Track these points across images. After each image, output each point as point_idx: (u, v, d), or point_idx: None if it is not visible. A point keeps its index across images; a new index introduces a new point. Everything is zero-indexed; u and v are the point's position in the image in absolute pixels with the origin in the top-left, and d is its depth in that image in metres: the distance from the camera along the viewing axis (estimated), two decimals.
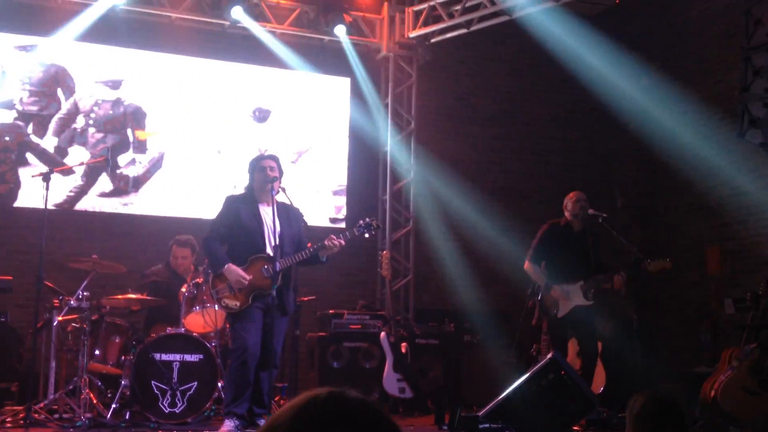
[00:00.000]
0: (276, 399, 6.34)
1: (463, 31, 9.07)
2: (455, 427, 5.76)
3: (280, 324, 5.70)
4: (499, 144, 10.22)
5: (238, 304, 5.62)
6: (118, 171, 8.55)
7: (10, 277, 6.99)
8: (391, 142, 9.43)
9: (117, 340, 6.41)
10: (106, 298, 6.47)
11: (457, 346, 8.25)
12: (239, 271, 5.59)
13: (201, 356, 6.17)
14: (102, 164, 8.24)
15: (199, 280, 6.40)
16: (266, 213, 5.72)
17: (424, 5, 9.16)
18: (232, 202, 5.88)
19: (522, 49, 10.15)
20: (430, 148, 9.61)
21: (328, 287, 8.69)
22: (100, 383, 6.30)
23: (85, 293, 6.21)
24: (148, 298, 6.60)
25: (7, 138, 8.20)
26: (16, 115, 8.23)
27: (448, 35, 9.24)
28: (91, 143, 8.49)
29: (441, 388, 7.81)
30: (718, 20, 9.33)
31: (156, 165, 8.72)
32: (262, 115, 9.16)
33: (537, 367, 5.44)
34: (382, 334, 7.51)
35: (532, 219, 8.04)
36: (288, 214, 5.81)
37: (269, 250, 5.67)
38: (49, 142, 8.32)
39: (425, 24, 9.21)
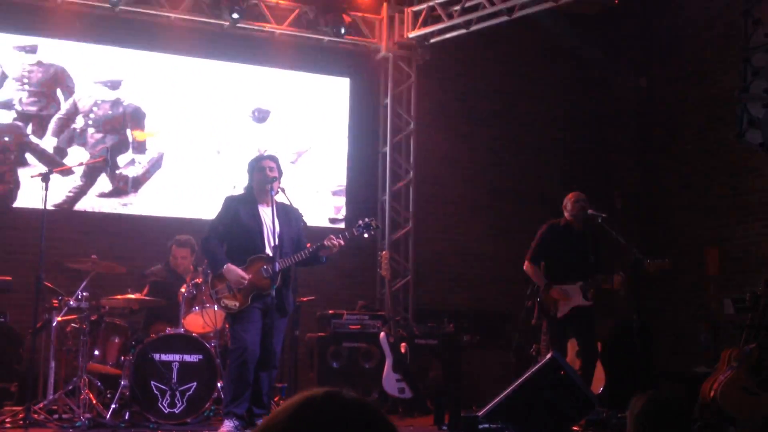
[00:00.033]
0: (275, 399, 6.33)
1: (463, 31, 9.06)
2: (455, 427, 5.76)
3: (280, 324, 5.69)
4: (498, 144, 10.21)
5: (237, 304, 5.62)
6: (117, 171, 8.54)
7: (10, 278, 6.98)
8: (390, 143, 9.43)
9: (116, 341, 6.41)
10: (106, 299, 6.46)
11: (456, 347, 8.23)
12: (238, 271, 5.58)
13: (200, 356, 6.17)
14: (101, 164, 8.22)
15: (199, 281, 6.39)
16: (265, 213, 5.72)
17: (424, 6, 9.15)
18: (231, 202, 5.88)
19: (521, 49, 10.15)
20: (429, 148, 9.61)
21: (327, 287, 8.68)
22: (99, 383, 6.30)
23: (84, 293, 6.20)
24: (148, 298, 6.60)
25: (6, 138, 8.19)
26: (15, 115, 8.23)
27: (448, 35, 9.23)
28: (91, 143, 8.49)
29: (440, 388, 7.80)
30: (717, 21, 9.33)
31: (155, 165, 8.71)
32: (261, 116, 9.15)
33: (537, 367, 5.44)
34: (382, 334, 7.50)
35: (531, 219, 8.03)
36: (287, 215, 5.81)
37: (268, 251, 5.67)
38: (48, 143, 8.32)
39: (424, 24, 9.20)
